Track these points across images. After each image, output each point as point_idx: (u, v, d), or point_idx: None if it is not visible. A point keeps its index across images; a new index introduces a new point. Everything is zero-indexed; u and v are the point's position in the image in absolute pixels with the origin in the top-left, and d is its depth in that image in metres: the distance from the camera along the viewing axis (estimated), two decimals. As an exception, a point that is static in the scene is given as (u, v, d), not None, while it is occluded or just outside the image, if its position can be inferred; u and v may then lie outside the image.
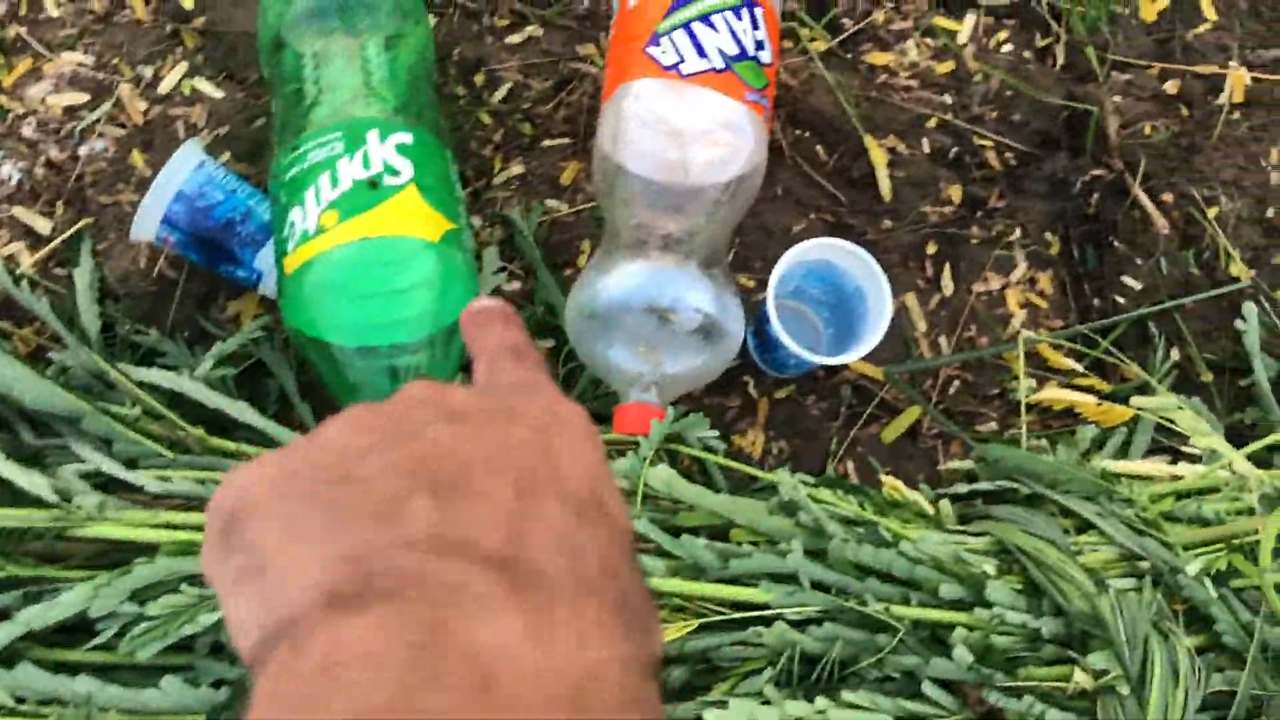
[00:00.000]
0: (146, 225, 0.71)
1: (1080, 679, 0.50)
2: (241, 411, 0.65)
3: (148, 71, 0.80)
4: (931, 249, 0.80)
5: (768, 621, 0.52)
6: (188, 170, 0.71)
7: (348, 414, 0.28)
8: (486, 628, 0.22)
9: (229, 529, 0.25)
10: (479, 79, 0.82)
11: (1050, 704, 0.50)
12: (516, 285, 0.77)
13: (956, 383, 0.77)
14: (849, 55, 0.85)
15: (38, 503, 0.54)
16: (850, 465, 0.74)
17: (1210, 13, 0.86)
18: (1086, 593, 0.52)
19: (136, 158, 0.78)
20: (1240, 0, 0.87)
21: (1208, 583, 0.53)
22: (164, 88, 0.80)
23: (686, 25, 0.71)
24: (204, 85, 0.80)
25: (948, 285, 0.79)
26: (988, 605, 0.52)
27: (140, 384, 0.66)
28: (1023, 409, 0.72)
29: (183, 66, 0.80)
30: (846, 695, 0.49)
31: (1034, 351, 0.77)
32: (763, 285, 0.75)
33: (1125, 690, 0.49)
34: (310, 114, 0.68)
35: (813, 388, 0.76)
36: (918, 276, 0.79)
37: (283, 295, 0.66)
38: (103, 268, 0.75)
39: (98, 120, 0.78)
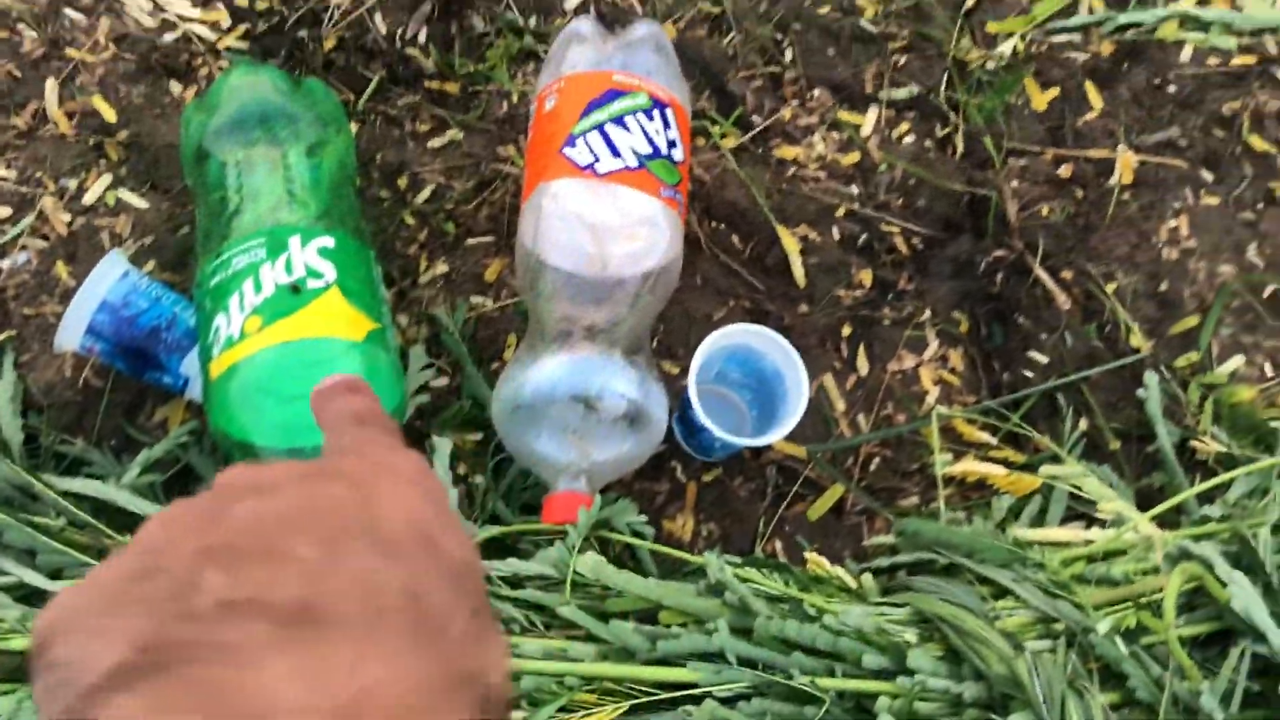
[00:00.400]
0: (70, 335, 0.71)
1: (1002, 741, 0.51)
2: (168, 517, 0.65)
3: (71, 184, 0.81)
4: (846, 331, 0.82)
5: (697, 700, 0.53)
6: (112, 280, 0.72)
7: (161, 513, 0.28)
8: (254, 676, 0.22)
9: (40, 654, 0.25)
10: (402, 182, 0.85)
11: (975, 767, 0.51)
12: (444, 381, 0.79)
13: (877, 459, 0.79)
14: (759, 150, 0.88)
15: (-42, 617, 0.54)
16: (778, 544, 0.76)
17: (1096, 101, 0.92)
18: (1004, 656, 0.53)
19: (60, 269, 0.78)
20: (1123, 89, 0.92)
21: (1119, 641, 0.55)
22: (88, 199, 0.81)
23: (600, 127, 0.74)
24: (128, 196, 0.81)
25: (863, 365, 0.82)
26: (910, 673, 0.54)
27: (65, 494, 0.65)
28: (939, 483, 0.74)
29: (106, 178, 0.82)
30: (777, 770, 0.50)
31: (949, 427, 0.79)
32: (686, 371, 0.77)
33: (1046, 750, 0.51)
34: (233, 222, 0.70)
35: (739, 469, 0.77)
36: (834, 358, 0.82)
37: (208, 400, 0.66)
38: (26, 379, 0.75)
39: (20, 233, 0.79)
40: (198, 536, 0.26)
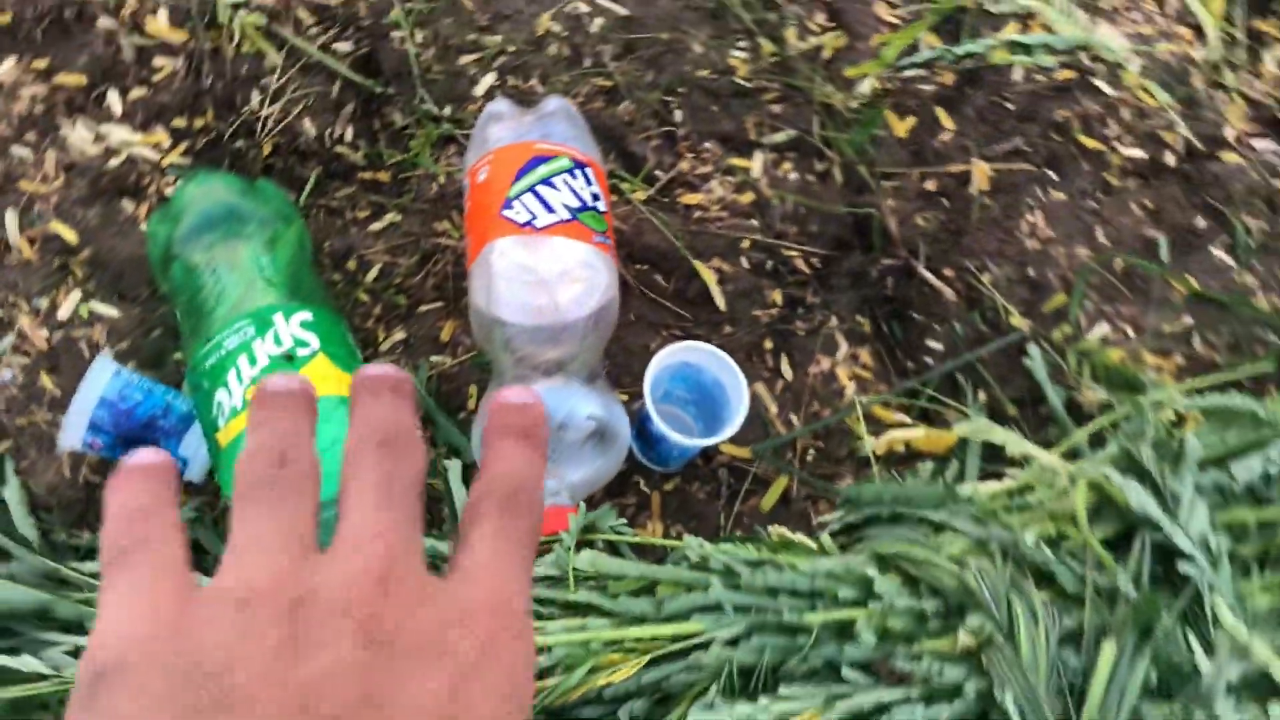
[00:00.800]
0: (74, 434, 0.77)
1: (964, 639, 0.61)
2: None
3: (44, 303, 0.87)
4: (768, 345, 0.93)
5: (704, 646, 0.61)
6: (106, 378, 0.78)
7: (248, 591, 0.25)
8: None
9: (95, 686, 0.23)
10: (351, 264, 0.93)
11: (945, 662, 0.60)
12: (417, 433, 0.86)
13: (813, 451, 0.89)
14: (666, 199, 0.99)
15: (37, 678, 0.59)
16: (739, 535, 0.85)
17: (948, 123, 1.05)
18: (953, 573, 0.63)
19: (46, 380, 0.84)
20: (969, 110, 1.06)
21: (1044, 548, 0.66)
22: (62, 315, 0.87)
23: (532, 188, 0.83)
24: (99, 307, 0.87)
25: (787, 372, 0.92)
26: (878, 598, 0.63)
27: (93, 574, 0.71)
28: (872, 460, 0.84)
29: (76, 294, 0.88)
30: (783, 691, 0.59)
31: (869, 413, 0.90)
32: (636, 398, 0.86)
33: (1001, 640, 0.60)
34: (216, 311, 0.77)
35: (695, 476, 0.87)
36: (762, 369, 0.92)
37: (219, 471, 0.73)
38: (28, 484, 0.80)
39: (3, 352, 0.85)
40: (278, 665, 0.24)
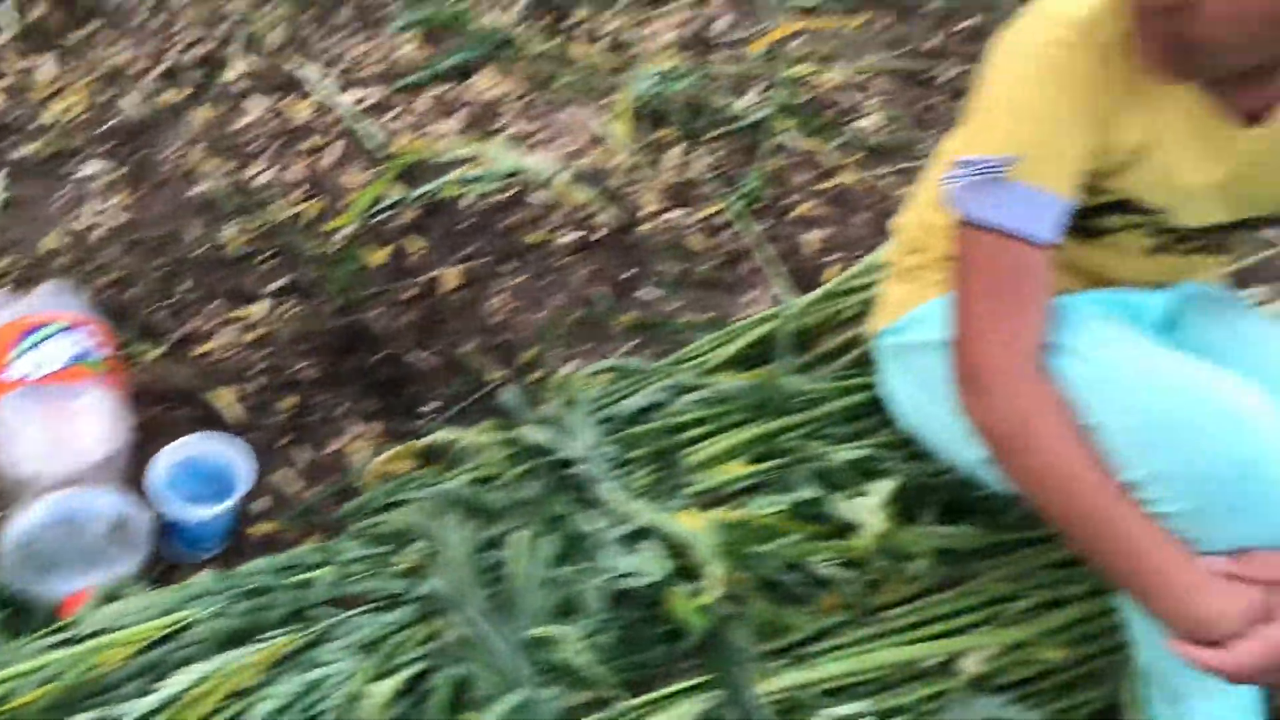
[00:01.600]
0: None
1: (404, 562, 0.76)
2: None
3: None
4: (288, 439, 1.08)
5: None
6: None
7: None
8: None
9: None
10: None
11: (391, 580, 0.76)
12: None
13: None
14: (181, 354, 1.14)
15: None
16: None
17: (419, 244, 1.28)
18: (399, 521, 0.80)
19: None
20: (435, 233, 1.30)
21: (471, 489, 0.84)
22: None
23: (27, 352, 0.96)
24: None
25: (307, 454, 1.07)
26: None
27: None
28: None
29: None
30: (259, 636, 0.72)
31: (387, 472, 1.06)
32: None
33: (435, 552, 0.76)
34: None
35: (238, 554, 0.98)
36: (285, 458, 1.06)
37: None
38: None
39: None
40: None
